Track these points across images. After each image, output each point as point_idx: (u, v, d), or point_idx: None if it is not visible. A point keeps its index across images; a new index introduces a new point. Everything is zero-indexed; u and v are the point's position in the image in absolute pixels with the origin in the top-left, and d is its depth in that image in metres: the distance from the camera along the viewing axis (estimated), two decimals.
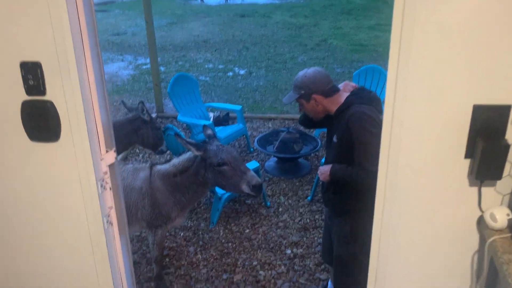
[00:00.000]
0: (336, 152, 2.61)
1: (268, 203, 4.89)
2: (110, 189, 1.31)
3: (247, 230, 4.44)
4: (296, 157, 5.53)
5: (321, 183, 2.86)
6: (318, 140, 5.64)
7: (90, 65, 1.22)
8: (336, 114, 2.60)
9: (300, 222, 4.58)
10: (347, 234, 2.67)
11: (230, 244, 4.24)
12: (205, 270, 3.89)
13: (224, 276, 3.82)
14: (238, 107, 6.20)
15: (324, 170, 2.65)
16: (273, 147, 5.56)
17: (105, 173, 1.26)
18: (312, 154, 5.75)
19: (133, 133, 4.39)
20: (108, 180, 1.29)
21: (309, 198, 4.98)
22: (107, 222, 1.27)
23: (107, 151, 1.32)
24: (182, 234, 4.39)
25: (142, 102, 4.43)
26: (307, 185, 5.30)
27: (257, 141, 5.60)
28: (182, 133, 6.86)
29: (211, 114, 7.15)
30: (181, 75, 6.11)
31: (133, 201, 3.26)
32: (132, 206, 3.27)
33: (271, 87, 9.37)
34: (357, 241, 2.67)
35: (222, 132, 5.94)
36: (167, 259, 4.03)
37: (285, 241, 4.27)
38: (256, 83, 9.73)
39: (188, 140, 3.08)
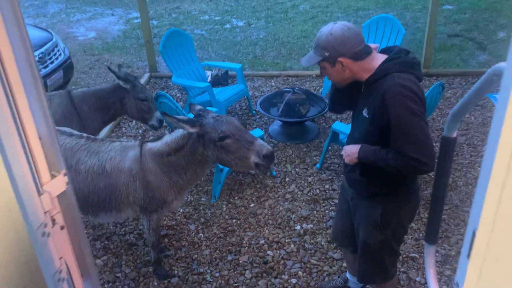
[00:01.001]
0: (366, 129, 2.17)
1: (274, 173, 4.50)
2: (63, 228, 0.90)
3: (252, 204, 4.08)
4: (302, 120, 5.08)
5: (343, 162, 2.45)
6: (327, 100, 5.15)
7: (6, 43, 0.76)
8: (368, 83, 2.15)
9: (309, 193, 4.22)
10: (377, 219, 2.31)
11: (234, 220, 3.90)
12: (208, 251, 3.57)
13: (229, 257, 3.50)
14: (237, 66, 5.67)
15: (350, 151, 2.23)
16: (278, 110, 5.10)
17: (53, 210, 0.85)
18: (320, 117, 5.29)
19: (116, 104, 3.93)
20: (60, 218, 0.88)
21: (318, 165, 4.59)
22: (59, 280, 0.87)
23: (53, 176, 0.89)
24: (181, 210, 4.03)
25: (120, 66, 3.91)
26: (315, 150, 4.89)
27: (260, 104, 5.14)
28: (179, 95, 6.38)
29: (209, 73, 6.63)
30: (173, 31, 5.53)
31: (123, 184, 2.88)
32: (122, 190, 2.89)
33: (272, 40, 8.75)
34: (388, 227, 2.33)
35: (222, 93, 5.46)
36: (166, 240, 3.70)
37: (293, 216, 3.92)
38: (256, 35, 9.09)
39: (179, 117, 2.63)
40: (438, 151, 1.83)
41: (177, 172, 2.86)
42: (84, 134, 3.07)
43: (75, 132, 3.11)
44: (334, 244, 3.59)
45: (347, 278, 3.07)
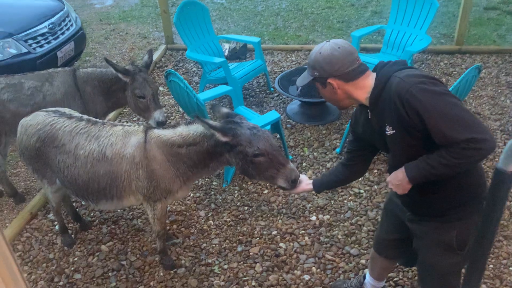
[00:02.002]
0: (403, 144, 1.87)
1: (291, 157, 4.25)
2: None
3: (266, 191, 3.86)
4: (323, 101, 4.77)
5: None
6: None
7: None
8: (373, 100, 1.90)
9: None
10: (452, 240, 2.01)
11: (246, 208, 3.70)
12: (217, 241, 3.39)
13: (239, 248, 3.32)
14: (255, 40, 5.34)
15: (397, 179, 1.91)
16: (297, 88, 4.79)
17: None
18: None
19: (118, 93, 3.58)
20: None
21: (338, 150, 4.31)
22: None
23: None
24: (191, 195, 3.85)
25: (106, 60, 3.40)
26: (336, 133, 4.60)
27: (278, 81, 4.83)
28: (195, 69, 6.12)
29: (226, 46, 6.33)
30: (189, 1, 5.20)
31: (125, 171, 2.68)
32: (123, 177, 2.70)
33: (295, 10, 8.31)
34: (465, 248, 2.04)
35: (238, 69, 5.17)
36: (174, 226, 3.54)
37: (309, 205, 3.69)
38: (278, 5, 8.65)
39: (211, 123, 2.38)
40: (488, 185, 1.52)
41: (187, 164, 2.64)
42: (85, 116, 2.88)
43: (75, 113, 2.91)
44: (352, 238, 3.36)
45: (363, 280, 2.84)
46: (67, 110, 2.94)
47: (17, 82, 3.49)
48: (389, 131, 1.87)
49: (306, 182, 2.45)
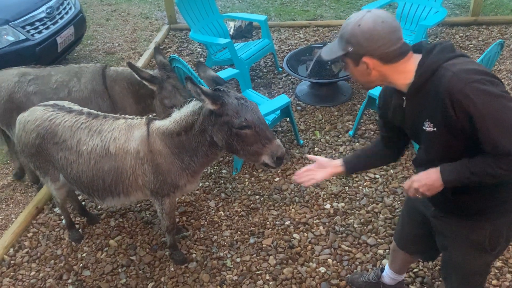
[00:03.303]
0: (442, 145, 1.68)
1: (301, 141, 4.09)
2: None
3: (277, 179, 3.72)
4: (334, 81, 4.57)
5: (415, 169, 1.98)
6: None
7: None
8: (413, 91, 1.67)
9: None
10: (484, 240, 1.86)
11: (257, 197, 3.57)
12: (229, 232, 3.28)
13: (251, 240, 3.20)
14: (262, 18, 5.11)
15: (427, 179, 1.69)
16: (306, 68, 4.59)
17: None
18: None
19: (146, 99, 3.39)
20: None
21: (351, 133, 4.14)
22: None
23: None
24: (201, 184, 3.72)
25: (156, 49, 3.22)
26: (348, 115, 4.42)
27: (287, 61, 4.63)
28: (199, 49, 5.91)
29: (231, 25, 6.10)
30: None
31: (130, 167, 2.56)
32: (129, 173, 2.58)
33: None
34: (497, 247, 1.89)
35: (244, 49, 4.97)
36: (184, 218, 3.43)
37: (323, 193, 3.55)
38: None
39: (204, 89, 2.20)
40: None
41: (189, 154, 2.51)
42: (85, 110, 2.73)
43: (75, 107, 2.77)
44: (369, 227, 3.23)
45: (380, 273, 2.71)
46: (66, 103, 2.79)
47: (46, 74, 3.36)
48: (428, 128, 1.66)
49: (332, 164, 2.08)
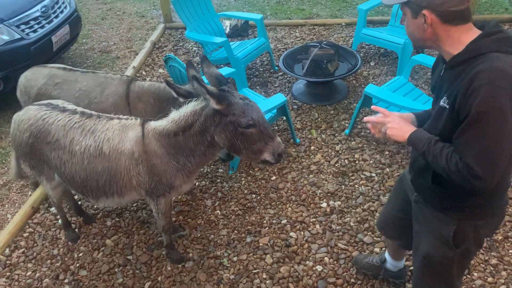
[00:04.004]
0: (443, 123, 1.68)
1: (298, 140, 4.09)
2: None
3: (274, 177, 3.73)
4: (330, 80, 4.58)
5: (412, 159, 1.99)
6: (358, 56, 4.61)
7: None
8: (453, 64, 1.62)
9: (336, 164, 3.82)
10: (449, 236, 1.89)
11: (254, 196, 3.57)
12: (226, 231, 3.28)
13: (248, 239, 3.21)
14: (258, 17, 5.11)
15: (400, 125, 1.78)
16: (302, 67, 4.59)
17: None
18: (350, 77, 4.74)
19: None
20: None
21: (347, 131, 4.14)
22: None
23: None
24: (197, 183, 3.72)
25: (189, 63, 2.73)
26: (344, 113, 4.43)
27: (283, 60, 4.63)
28: (195, 48, 5.90)
29: (227, 23, 6.09)
30: None
31: (124, 168, 2.54)
32: (123, 174, 2.56)
33: None
34: (461, 246, 1.91)
35: (240, 48, 4.97)
36: (180, 217, 3.43)
37: (319, 191, 3.56)
38: None
39: (209, 88, 2.20)
40: None
41: (185, 154, 2.50)
42: (79, 109, 2.71)
43: (69, 106, 2.75)
44: (365, 225, 3.24)
45: (385, 259, 2.74)
46: (60, 103, 2.78)
47: (72, 80, 3.28)
48: (443, 103, 1.66)
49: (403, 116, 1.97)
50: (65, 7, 5.22)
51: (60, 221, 3.34)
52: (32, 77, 3.35)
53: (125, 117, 2.66)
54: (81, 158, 2.55)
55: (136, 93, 3.25)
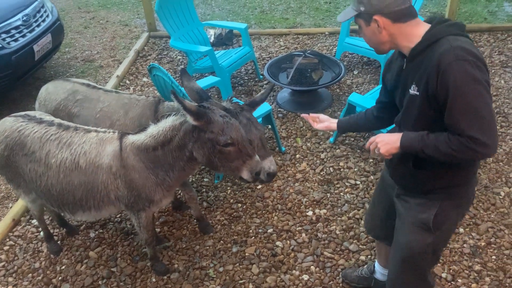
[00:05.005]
0: (419, 109, 1.78)
1: (283, 149, 4.10)
2: None
3: (260, 186, 3.72)
4: (314, 89, 4.61)
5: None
6: (341, 64, 4.66)
7: None
8: (414, 54, 1.77)
9: (321, 173, 3.83)
10: (429, 219, 1.97)
11: (239, 205, 3.56)
12: (211, 242, 3.25)
13: (234, 249, 3.19)
14: (242, 26, 5.13)
15: (388, 139, 1.83)
16: (287, 76, 4.62)
17: None
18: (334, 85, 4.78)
19: None
20: None
21: (331, 139, 4.17)
22: None
23: None
24: (182, 193, 3.69)
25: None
26: None
27: (267, 69, 4.65)
28: (179, 57, 5.88)
29: (212, 32, 6.10)
30: None
31: (102, 182, 2.49)
32: (100, 188, 2.51)
33: None
34: (440, 229, 2.00)
35: (225, 57, 4.97)
36: (165, 228, 3.39)
37: (305, 199, 3.57)
38: None
39: (188, 104, 2.17)
40: None
41: (164, 169, 2.46)
42: (56, 121, 2.66)
43: (46, 117, 2.70)
44: (351, 233, 3.25)
45: (374, 269, 2.75)
46: (37, 114, 2.73)
47: (94, 99, 3.09)
48: (413, 91, 1.78)
49: (330, 120, 2.33)
50: (47, 16, 5.17)
51: (42, 233, 3.28)
52: (53, 91, 3.19)
53: (102, 130, 2.62)
54: (57, 171, 2.49)
55: (166, 114, 2.99)
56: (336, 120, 2.32)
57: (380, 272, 2.72)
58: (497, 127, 4.23)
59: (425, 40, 1.72)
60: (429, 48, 1.70)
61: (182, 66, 5.66)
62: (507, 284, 2.82)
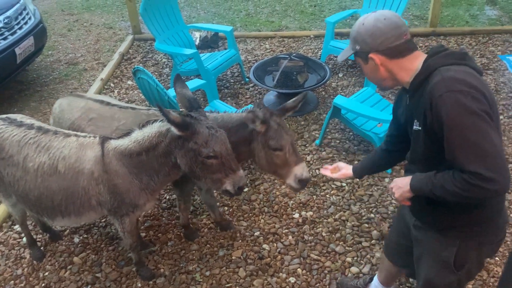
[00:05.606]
0: (423, 145, 1.73)
1: None
2: None
3: (246, 189, 3.71)
4: (300, 91, 4.62)
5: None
6: (327, 67, 4.68)
7: None
8: (413, 88, 1.72)
9: None
10: (450, 258, 1.87)
11: (226, 208, 3.54)
12: (197, 246, 3.23)
13: (221, 253, 3.17)
14: (228, 29, 5.12)
15: (401, 183, 1.79)
16: (273, 79, 4.62)
17: None
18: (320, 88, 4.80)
19: (241, 145, 2.68)
20: None
21: (317, 142, 4.19)
22: None
23: None
24: (167, 197, 3.67)
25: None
26: (315, 124, 4.47)
27: (253, 72, 4.65)
28: (164, 60, 5.85)
29: (197, 35, 6.09)
30: None
31: (82, 187, 2.45)
32: (81, 193, 2.46)
33: None
34: (463, 268, 1.90)
35: (211, 60, 4.96)
36: (150, 232, 3.36)
37: (291, 202, 3.57)
38: None
39: (172, 115, 2.14)
40: None
41: (148, 174, 2.43)
42: (36, 124, 2.61)
43: (27, 120, 2.65)
44: (337, 235, 3.26)
45: (368, 282, 2.73)
46: (18, 117, 2.67)
47: (109, 116, 2.92)
48: (416, 126, 1.74)
49: (346, 167, 2.33)
50: (29, 18, 5.09)
51: (24, 239, 3.22)
52: (67, 108, 3.05)
53: (83, 134, 2.58)
54: (35, 175, 2.45)
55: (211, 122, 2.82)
56: (351, 166, 2.31)
57: (375, 286, 2.67)
58: None
59: (421, 74, 1.68)
60: (426, 81, 1.65)
61: (167, 69, 5.63)
62: (490, 284, 2.86)
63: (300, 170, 2.55)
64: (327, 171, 2.38)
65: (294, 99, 2.72)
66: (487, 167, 1.49)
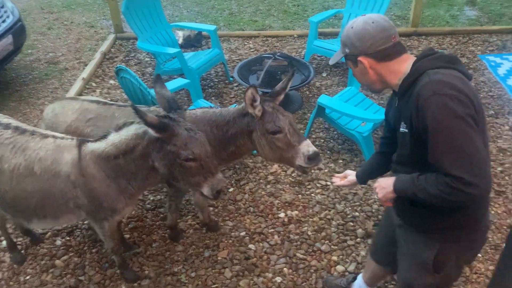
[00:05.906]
0: (410, 147, 1.74)
1: (254, 151, 4.08)
2: None
3: (231, 189, 3.69)
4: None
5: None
6: (311, 67, 4.70)
7: None
8: (402, 91, 1.72)
9: (293, 174, 3.84)
10: (429, 260, 1.88)
11: (211, 208, 3.51)
12: (182, 247, 3.20)
13: (206, 254, 3.14)
14: (211, 28, 5.09)
15: (385, 183, 1.81)
16: (257, 78, 4.61)
17: None
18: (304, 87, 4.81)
19: (238, 138, 2.73)
20: None
21: None
22: None
23: None
24: (152, 198, 3.62)
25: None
26: (299, 123, 4.48)
27: (238, 71, 4.64)
28: (147, 59, 5.79)
29: (180, 34, 6.04)
30: None
31: (59, 190, 2.39)
32: (57, 196, 2.40)
33: None
34: (442, 271, 1.90)
35: (194, 59, 4.93)
36: (135, 234, 3.31)
37: (277, 202, 3.56)
38: None
39: (149, 117, 2.09)
40: None
41: (126, 178, 2.38)
42: (13, 123, 2.55)
43: (3, 120, 2.58)
44: (322, 233, 3.27)
45: (351, 281, 2.74)
46: None
47: (108, 116, 2.88)
48: (402, 128, 1.74)
49: (352, 174, 2.32)
50: (8, 17, 4.98)
51: (4, 242, 3.14)
52: (61, 112, 2.96)
53: (60, 135, 2.52)
54: (10, 177, 2.39)
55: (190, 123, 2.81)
56: (354, 173, 2.32)
57: (359, 285, 2.68)
58: None
59: (409, 77, 1.68)
60: (414, 84, 1.65)
61: (150, 68, 5.56)
62: (473, 280, 2.90)
63: (306, 147, 2.47)
64: (337, 179, 2.36)
65: (282, 81, 2.73)
66: (470, 172, 1.51)
